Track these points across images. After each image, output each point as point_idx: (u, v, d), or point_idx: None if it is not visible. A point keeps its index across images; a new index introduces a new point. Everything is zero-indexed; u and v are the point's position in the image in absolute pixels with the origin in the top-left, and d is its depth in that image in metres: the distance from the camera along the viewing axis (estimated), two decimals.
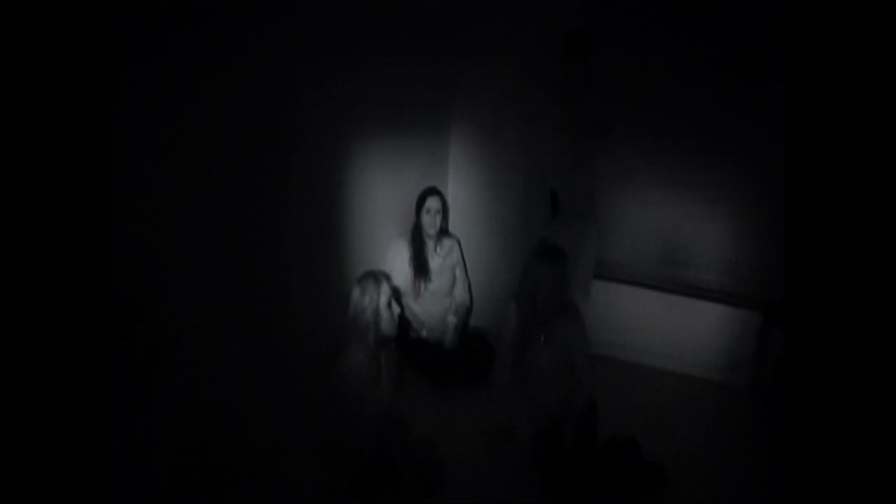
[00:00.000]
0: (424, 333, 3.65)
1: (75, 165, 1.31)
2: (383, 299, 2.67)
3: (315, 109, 3.01)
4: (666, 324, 3.70)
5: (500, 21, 3.80)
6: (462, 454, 2.84)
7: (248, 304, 2.86)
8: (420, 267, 3.63)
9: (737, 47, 3.46)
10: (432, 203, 3.58)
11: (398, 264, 3.61)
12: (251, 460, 2.74)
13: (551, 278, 2.78)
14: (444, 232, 3.68)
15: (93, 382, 1.32)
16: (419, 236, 3.63)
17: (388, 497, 2.60)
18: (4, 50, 1.23)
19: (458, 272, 3.77)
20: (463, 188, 4.12)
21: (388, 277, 2.77)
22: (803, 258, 1.39)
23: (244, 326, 2.84)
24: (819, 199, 1.37)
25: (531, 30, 3.71)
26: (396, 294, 3.31)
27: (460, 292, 3.77)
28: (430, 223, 3.58)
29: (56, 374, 1.27)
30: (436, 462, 2.72)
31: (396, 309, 2.75)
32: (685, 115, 3.66)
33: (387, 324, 2.70)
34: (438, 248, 3.68)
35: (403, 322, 3.53)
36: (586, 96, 3.52)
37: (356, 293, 2.67)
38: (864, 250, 1.32)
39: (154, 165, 2.29)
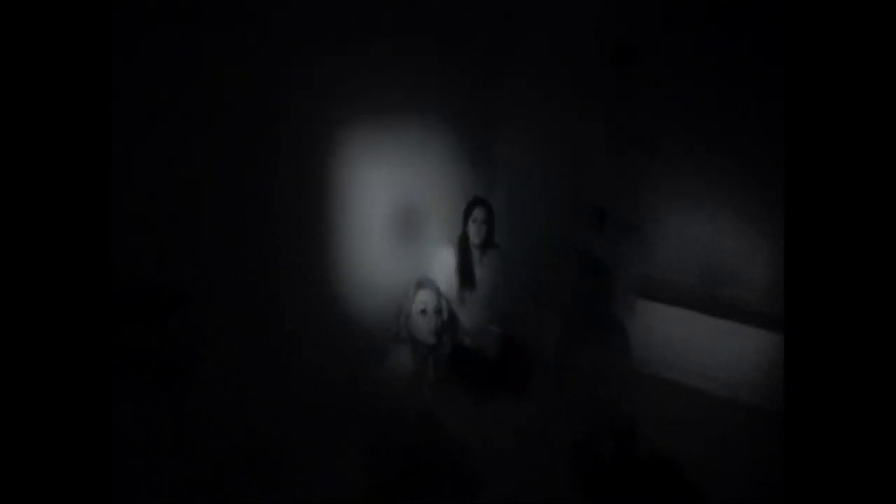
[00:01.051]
0: (468, 341, 3.70)
1: (74, 165, 1.31)
2: (433, 304, 2.73)
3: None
4: (708, 345, 3.67)
5: (547, 30, 3.84)
6: (499, 459, 2.88)
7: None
8: (465, 275, 3.68)
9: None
10: (479, 213, 3.62)
11: (444, 272, 3.66)
12: (288, 458, 2.81)
13: (594, 292, 2.80)
14: (489, 241, 3.72)
15: (93, 382, 1.31)
16: (466, 246, 3.68)
17: (425, 499, 2.63)
18: (4, 50, 1.23)
19: (500, 282, 3.79)
20: (508, 198, 4.16)
21: (436, 284, 2.83)
22: (806, 268, 1.38)
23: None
24: (819, 206, 1.36)
25: (578, 40, 3.75)
26: (445, 301, 3.37)
27: (501, 302, 3.80)
28: (476, 232, 3.63)
29: (56, 374, 1.27)
30: (473, 466, 2.75)
31: (444, 316, 2.80)
32: (735, 131, 3.63)
33: (434, 328, 2.75)
34: (483, 259, 3.72)
35: (450, 328, 3.60)
36: (633, 108, 3.52)
37: (406, 298, 2.74)
38: (868, 256, 1.32)
39: (149, 162, 2.28)
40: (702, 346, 3.69)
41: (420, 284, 2.78)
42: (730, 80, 3.54)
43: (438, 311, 2.76)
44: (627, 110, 3.53)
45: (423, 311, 2.72)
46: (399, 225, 3.63)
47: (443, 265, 3.69)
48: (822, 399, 1.35)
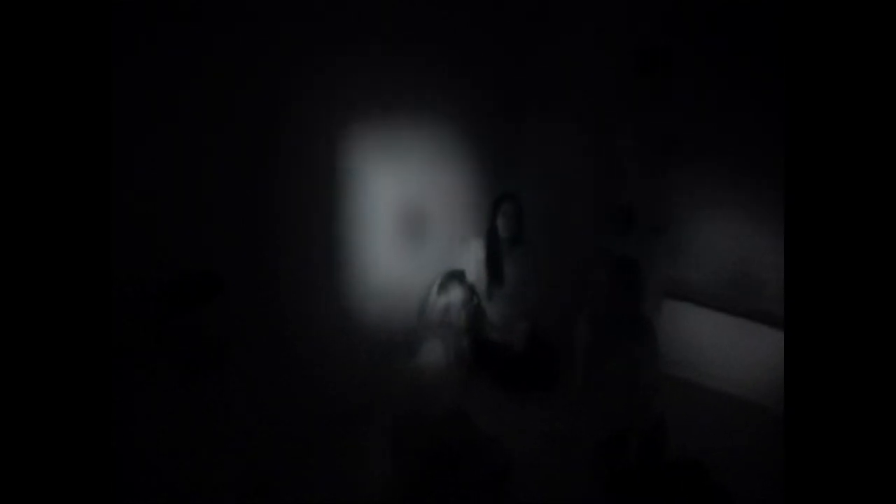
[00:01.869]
0: (496, 336, 3.70)
1: (75, 164, 1.31)
2: (461, 298, 2.73)
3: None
4: (736, 348, 3.64)
5: (576, 31, 3.81)
6: (525, 455, 2.89)
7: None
8: (494, 270, 3.67)
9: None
10: (508, 207, 3.61)
11: (472, 266, 3.67)
12: (312, 454, 2.83)
13: (624, 291, 2.79)
14: (518, 236, 3.71)
15: (94, 381, 1.32)
16: (495, 240, 3.68)
17: (451, 492, 2.65)
18: (4, 50, 1.23)
19: (530, 278, 3.78)
20: (537, 195, 4.14)
21: (466, 278, 2.83)
22: (806, 267, 1.38)
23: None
24: (822, 206, 1.36)
25: (607, 42, 3.71)
26: (474, 293, 3.37)
27: (531, 298, 3.79)
28: (505, 226, 3.62)
29: (57, 373, 1.27)
30: (500, 461, 2.76)
31: (473, 307, 2.81)
32: (765, 132, 3.53)
33: (463, 322, 2.75)
34: (511, 253, 3.72)
35: (478, 323, 3.61)
36: (662, 110, 3.49)
37: (434, 290, 2.74)
38: (868, 255, 1.31)
39: (151, 161, 2.28)
40: (728, 348, 3.66)
41: (449, 277, 2.78)
42: (756, 83, 3.49)
43: (466, 305, 2.76)
44: (656, 112, 3.47)
45: (451, 304, 2.72)
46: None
47: (472, 259, 3.69)
48: (823, 399, 1.34)
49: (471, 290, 2.94)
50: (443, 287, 2.77)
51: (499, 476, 2.71)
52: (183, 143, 2.37)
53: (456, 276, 2.81)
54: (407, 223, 3.53)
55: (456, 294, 2.76)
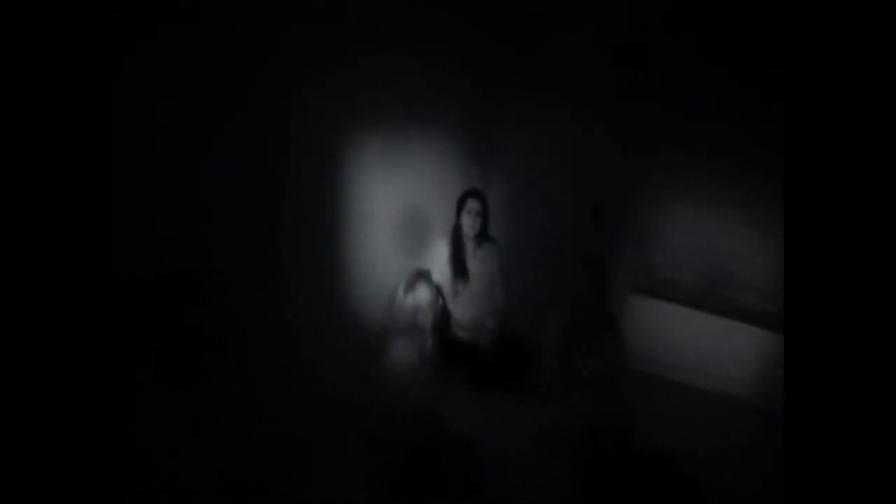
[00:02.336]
0: (461, 334, 3.66)
1: (75, 164, 1.31)
2: (427, 298, 2.71)
3: (333, 106, 3.00)
4: (706, 343, 3.68)
5: (549, 28, 3.81)
6: (499, 452, 2.87)
7: (265, 296, 2.85)
8: (458, 268, 3.64)
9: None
10: (473, 204, 3.58)
11: (437, 264, 3.62)
12: (288, 453, 2.79)
13: (591, 287, 2.79)
14: (483, 234, 3.68)
15: (93, 380, 1.32)
16: (458, 237, 3.64)
17: (425, 492, 2.61)
18: (4, 50, 1.23)
19: (497, 275, 3.76)
20: (504, 193, 4.13)
21: (430, 277, 2.81)
22: (805, 267, 1.39)
23: (267, 315, 2.84)
24: (820, 205, 1.36)
25: (579, 39, 3.72)
26: (440, 294, 3.34)
27: (498, 296, 3.77)
28: (470, 224, 3.58)
29: (56, 373, 1.27)
30: (473, 459, 2.73)
31: (439, 307, 2.78)
32: (736, 130, 3.62)
33: (430, 322, 2.73)
34: (477, 251, 3.68)
35: (444, 322, 3.57)
36: (634, 107, 3.51)
37: (401, 291, 2.71)
38: (867, 256, 1.32)
39: (152, 162, 2.29)
40: (700, 343, 3.69)
41: (415, 277, 2.76)
42: (731, 81, 3.52)
43: (433, 305, 2.73)
44: (629, 108, 3.50)
45: (418, 305, 2.69)
46: (406, 226, 3.62)
47: (437, 258, 3.65)
48: (822, 398, 1.35)
49: (437, 289, 2.92)
50: (409, 287, 2.73)
51: (471, 475, 2.68)
52: (183, 143, 2.37)
53: (422, 276, 2.78)
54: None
55: (423, 294, 2.73)
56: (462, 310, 3.68)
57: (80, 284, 1.30)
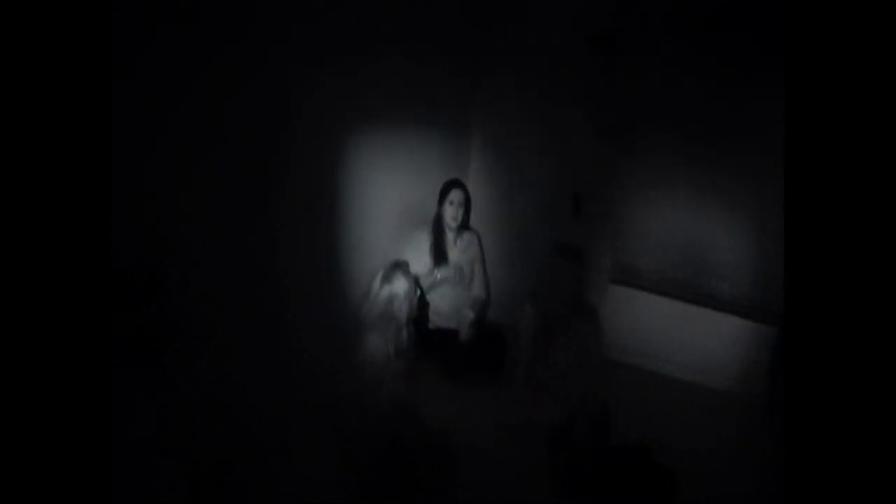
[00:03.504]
0: (442, 325, 3.64)
1: (75, 163, 1.31)
2: (404, 289, 2.69)
3: (327, 104, 3.01)
4: (683, 333, 3.67)
5: (526, 19, 3.79)
6: (474, 445, 2.85)
7: (253, 293, 2.86)
8: (439, 258, 3.62)
9: (769, 49, 3.34)
10: (455, 195, 3.57)
11: (417, 254, 3.59)
12: (262, 448, 2.75)
13: (568, 278, 2.79)
14: (465, 225, 3.67)
15: (93, 379, 1.32)
16: (439, 227, 3.63)
17: (400, 486, 2.59)
18: (4, 50, 1.23)
19: (477, 266, 3.76)
20: (484, 184, 4.11)
21: (408, 267, 2.79)
22: (804, 264, 1.39)
23: (252, 313, 2.85)
24: (820, 204, 1.36)
25: (557, 29, 3.70)
26: (417, 285, 3.32)
27: (478, 287, 3.76)
28: (453, 215, 3.57)
29: (56, 372, 1.27)
30: (449, 452, 2.72)
31: (416, 298, 2.76)
32: (714, 119, 3.61)
33: (406, 313, 2.71)
34: (458, 241, 3.67)
35: (422, 313, 3.55)
36: (614, 97, 3.49)
37: (377, 282, 2.69)
38: (866, 254, 1.32)
39: (153, 161, 2.30)
40: (678, 333, 3.69)
41: (392, 268, 2.74)
42: (712, 71, 3.52)
43: (409, 296, 2.72)
44: (608, 98, 3.49)
45: (394, 296, 2.68)
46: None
47: (416, 247, 3.62)
48: (822, 396, 1.34)
49: (415, 281, 2.92)
50: (386, 278, 2.71)
51: (446, 469, 2.67)
52: (183, 143, 2.38)
53: (400, 267, 2.76)
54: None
55: (400, 285, 2.71)
56: (441, 300, 3.66)
57: (79, 284, 1.30)
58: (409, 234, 3.69)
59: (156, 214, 2.30)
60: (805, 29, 1.38)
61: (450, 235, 3.64)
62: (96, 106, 1.34)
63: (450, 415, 3.02)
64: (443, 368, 3.53)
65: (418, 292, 3.41)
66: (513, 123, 3.96)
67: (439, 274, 3.58)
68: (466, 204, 3.61)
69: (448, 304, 3.66)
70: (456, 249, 3.66)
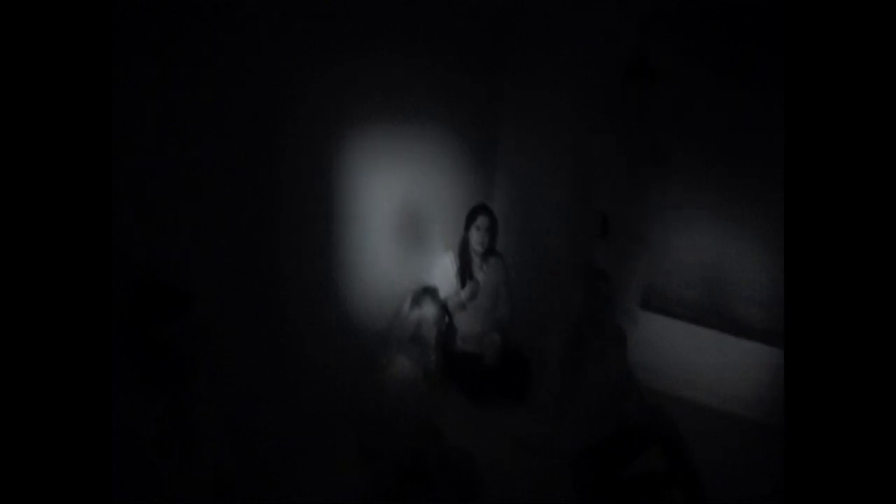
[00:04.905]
0: (467, 349, 3.66)
1: (75, 163, 1.30)
2: (433, 314, 2.72)
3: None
4: (707, 358, 3.66)
5: (560, 39, 3.84)
6: (497, 467, 2.86)
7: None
8: (466, 282, 3.64)
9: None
10: (482, 221, 3.59)
11: (444, 278, 3.63)
12: (287, 463, 2.80)
13: (597, 301, 2.80)
14: (491, 249, 3.69)
15: (93, 381, 1.31)
16: (466, 251, 3.65)
17: None
18: (4, 50, 1.22)
19: (503, 290, 3.77)
20: (509, 203, 4.14)
21: (437, 293, 2.83)
22: (804, 275, 1.37)
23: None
24: (820, 212, 1.35)
25: (591, 51, 3.74)
26: (445, 309, 3.36)
27: (504, 310, 3.77)
28: (479, 240, 3.60)
29: (56, 373, 1.27)
30: (471, 473, 2.72)
31: (444, 323, 2.80)
32: (744, 146, 3.60)
33: (435, 338, 2.74)
34: (484, 266, 3.69)
35: (449, 336, 3.58)
36: (645, 121, 3.51)
37: (407, 305, 2.73)
38: (867, 263, 1.31)
39: (150, 162, 2.29)
40: (703, 359, 3.67)
41: (422, 293, 2.77)
42: (742, 95, 3.52)
43: (438, 322, 2.75)
44: (638, 120, 3.50)
45: (422, 320, 2.71)
46: (403, 229, 3.63)
47: (443, 272, 3.66)
48: (822, 413, 1.34)
49: (443, 307, 2.94)
50: (416, 302, 2.75)
51: (469, 490, 2.68)
52: (181, 144, 2.38)
53: (429, 293, 2.79)
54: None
55: (429, 310, 2.74)
56: (467, 324, 3.68)
57: (78, 287, 1.29)
58: (436, 258, 3.73)
59: (155, 224, 2.31)
60: (806, 41, 1.38)
61: (476, 260, 3.67)
62: (96, 106, 1.33)
63: (473, 436, 3.02)
64: (468, 391, 3.55)
65: (447, 318, 3.46)
66: (538, 142, 3.99)
67: (464, 293, 3.60)
68: (493, 228, 3.64)
69: (474, 328, 3.68)
70: (482, 273, 3.68)
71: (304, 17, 2.75)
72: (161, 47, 2.21)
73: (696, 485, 2.69)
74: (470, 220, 3.62)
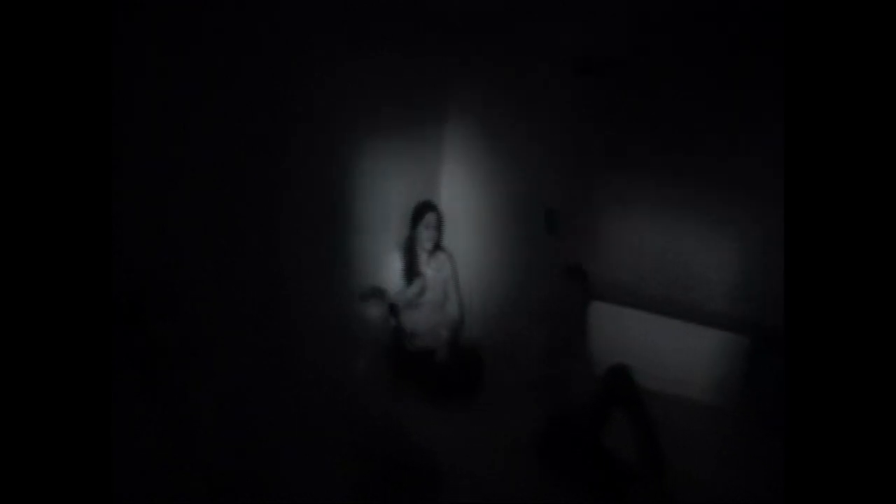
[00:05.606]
0: (420, 345, 3.69)
1: (75, 165, 1.29)
2: (381, 312, 2.75)
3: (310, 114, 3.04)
4: (660, 346, 3.75)
5: (509, 35, 3.89)
6: (457, 463, 2.87)
7: (245, 306, 2.85)
8: (412, 280, 3.67)
9: (741, 71, 3.49)
10: (431, 218, 3.64)
11: (392, 276, 3.66)
12: (249, 464, 2.74)
13: (577, 299, 2.89)
14: (437, 246, 3.75)
15: (93, 382, 1.31)
16: (413, 249, 3.69)
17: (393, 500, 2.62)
18: (4, 50, 1.22)
19: (451, 286, 3.83)
20: (456, 200, 4.19)
21: (384, 291, 2.85)
22: (805, 273, 1.37)
23: (244, 328, 2.84)
24: (820, 212, 1.36)
25: (541, 49, 3.81)
26: (393, 307, 3.38)
27: (452, 306, 3.83)
28: (428, 237, 3.65)
29: (56, 374, 1.27)
30: (433, 470, 2.75)
31: (392, 322, 2.82)
32: (689, 138, 3.71)
33: (383, 336, 2.77)
34: (432, 262, 3.74)
35: (399, 334, 3.60)
36: (593, 117, 3.62)
37: (357, 306, 2.74)
38: (866, 263, 1.31)
39: (148, 164, 2.29)
40: (654, 346, 3.76)
41: (370, 293, 2.79)
42: (687, 91, 3.65)
43: (385, 322, 2.77)
44: (584, 115, 3.61)
45: (371, 322, 2.73)
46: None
47: (391, 271, 3.68)
48: (824, 407, 1.34)
49: (390, 307, 2.96)
50: (362, 302, 2.77)
51: (431, 486, 2.70)
52: (181, 144, 2.39)
53: (375, 293, 2.82)
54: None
55: (374, 310, 2.77)
56: (418, 321, 3.70)
57: (79, 288, 1.29)
58: (383, 258, 3.76)
59: (155, 226, 2.31)
60: (807, 36, 1.38)
61: (423, 256, 3.71)
62: (96, 106, 1.33)
63: (432, 433, 3.05)
64: (420, 388, 3.56)
65: (394, 321, 3.47)
66: (487, 137, 4.05)
67: (411, 290, 3.63)
68: (440, 225, 3.70)
69: (423, 325, 3.70)
70: (430, 270, 3.72)
71: (309, 13, 2.82)
72: (161, 47, 2.22)
73: (658, 450, 2.80)
74: (417, 218, 3.66)
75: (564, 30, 3.74)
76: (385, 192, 3.69)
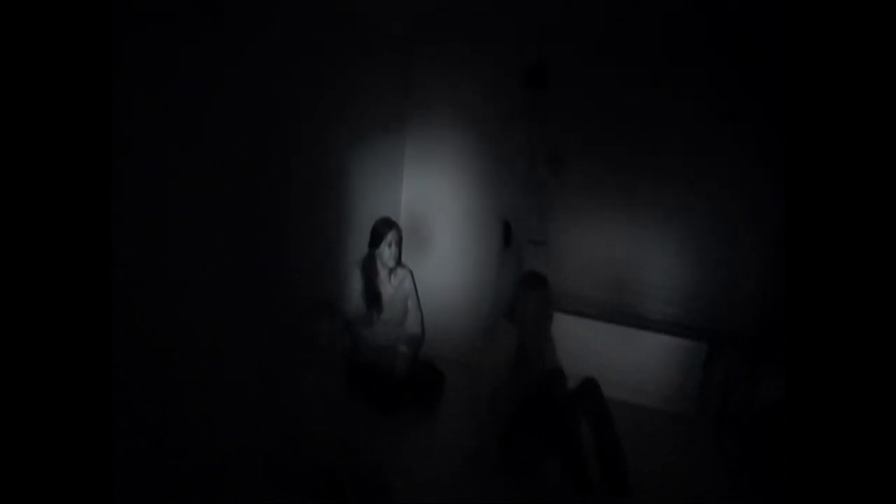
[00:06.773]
0: (377, 361, 3.67)
1: (75, 166, 1.30)
2: (334, 328, 2.74)
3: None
4: (614, 354, 3.81)
5: (462, 44, 4.01)
6: (410, 478, 2.89)
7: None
8: (373, 296, 3.67)
9: (692, 80, 3.67)
10: (393, 235, 3.64)
11: (352, 293, 3.65)
12: (195, 486, 2.68)
13: (542, 307, 2.94)
14: (397, 262, 3.75)
15: (93, 381, 1.31)
16: (373, 266, 3.69)
17: None
18: (4, 50, 1.23)
19: (411, 303, 3.83)
20: (416, 215, 4.24)
21: (337, 306, 2.86)
22: (805, 274, 1.38)
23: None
24: (820, 214, 1.36)
25: (491, 57, 3.93)
26: (347, 323, 3.37)
27: (412, 323, 3.82)
28: (390, 255, 3.65)
29: (56, 374, 1.27)
30: (383, 486, 2.75)
31: (346, 337, 2.83)
32: (639, 147, 3.85)
33: (337, 351, 2.77)
34: (392, 278, 3.75)
35: (354, 350, 3.60)
36: (542, 126, 3.70)
37: (308, 320, 2.72)
38: (866, 263, 1.32)
39: (148, 164, 2.29)
40: (609, 354, 3.83)
41: (317, 309, 2.78)
42: (638, 99, 3.80)
43: (336, 336, 2.77)
44: (536, 127, 3.69)
45: (320, 335, 2.72)
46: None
47: (350, 287, 3.68)
48: (826, 409, 1.35)
49: (342, 320, 2.94)
50: (311, 318, 2.75)
51: (382, 501, 2.71)
52: (181, 144, 2.38)
53: (324, 307, 2.81)
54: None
55: (323, 325, 2.75)
56: (375, 337, 3.70)
57: (80, 285, 1.29)
58: (341, 274, 3.75)
59: (152, 219, 2.31)
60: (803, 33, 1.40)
61: (383, 273, 3.71)
62: (96, 106, 1.33)
63: (384, 448, 3.06)
64: (376, 405, 3.54)
65: (346, 336, 3.46)
66: (444, 150, 4.14)
67: (369, 312, 3.65)
68: (401, 242, 3.70)
69: (382, 340, 3.70)
70: (390, 287, 3.73)
71: (307, 15, 2.85)
72: (161, 47, 2.22)
73: (623, 469, 2.87)
74: (379, 238, 3.66)
75: (516, 37, 3.87)
76: (342, 208, 3.74)
